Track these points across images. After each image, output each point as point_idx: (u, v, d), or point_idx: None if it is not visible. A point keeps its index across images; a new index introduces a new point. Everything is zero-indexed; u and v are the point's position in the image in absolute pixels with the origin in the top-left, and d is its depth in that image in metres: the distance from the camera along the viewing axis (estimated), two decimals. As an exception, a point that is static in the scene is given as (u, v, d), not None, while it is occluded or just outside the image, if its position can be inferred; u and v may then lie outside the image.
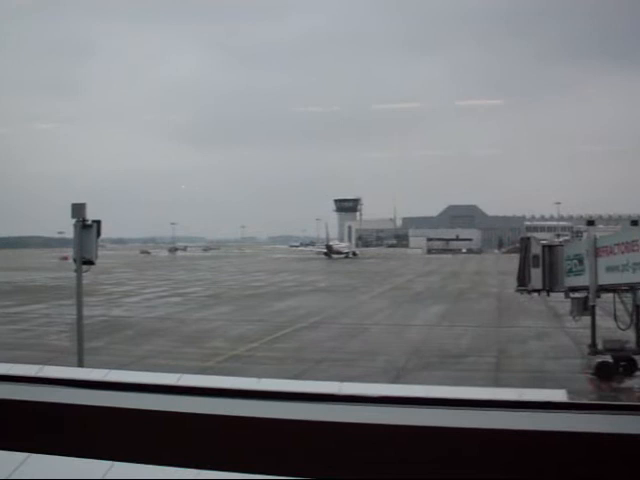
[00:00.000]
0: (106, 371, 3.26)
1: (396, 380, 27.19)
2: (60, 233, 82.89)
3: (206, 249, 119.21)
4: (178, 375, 3.06)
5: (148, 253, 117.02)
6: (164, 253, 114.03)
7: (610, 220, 73.94)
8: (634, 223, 36.80)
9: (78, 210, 23.95)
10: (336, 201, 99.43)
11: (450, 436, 2.45)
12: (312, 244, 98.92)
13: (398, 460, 2.44)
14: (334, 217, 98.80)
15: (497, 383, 26.76)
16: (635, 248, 27.39)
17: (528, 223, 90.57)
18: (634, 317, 29.27)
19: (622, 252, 28.23)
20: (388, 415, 2.60)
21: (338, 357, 31.73)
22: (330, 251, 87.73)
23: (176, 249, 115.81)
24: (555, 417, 2.58)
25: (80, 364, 23.47)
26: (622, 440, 2.35)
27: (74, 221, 23.86)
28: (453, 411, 2.63)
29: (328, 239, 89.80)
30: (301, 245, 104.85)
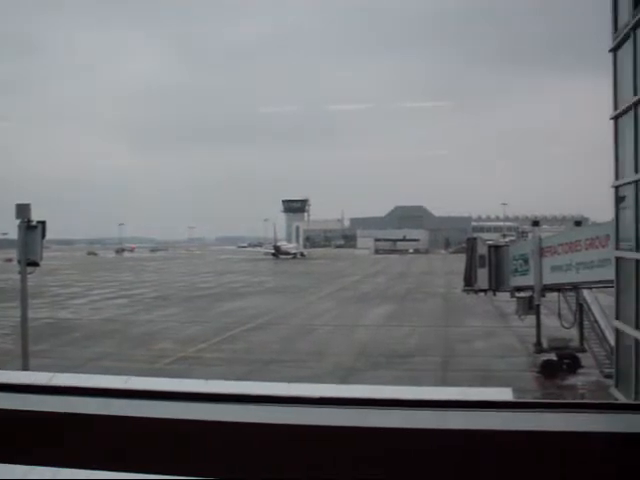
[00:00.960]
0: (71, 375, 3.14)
1: (344, 380, 27.22)
2: (4, 234, 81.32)
3: (154, 250, 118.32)
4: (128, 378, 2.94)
5: (95, 254, 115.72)
6: (111, 254, 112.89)
7: (555, 221, 75.22)
8: (577, 224, 37.53)
9: (22, 211, 23.45)
10: (284, 202, 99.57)
11: (396, 437, 2.39)
12: (260, 245, 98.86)
13: (344, 462, 2.37)
14: (282, 218, 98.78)
15: (444, 382, 26.97)
16: (578, 248, 27.82)
17: (474, 223, 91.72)
18: (577, 316, 29.76)
19: (566, 252, 28.67)
20: (335, 416, 2.53)
21: (287, 358, 31.68)
22: (278, 252, 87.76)
23: (123, 250, 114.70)
24: (500, 416, 2.53)
25: (25, 367, 23.00)
26: (566, 438, 2.31)
27: (18, 222, 23.38)
28: (399, 411, 2.57)
29: (276, 240, 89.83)
30: (249, 246, 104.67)
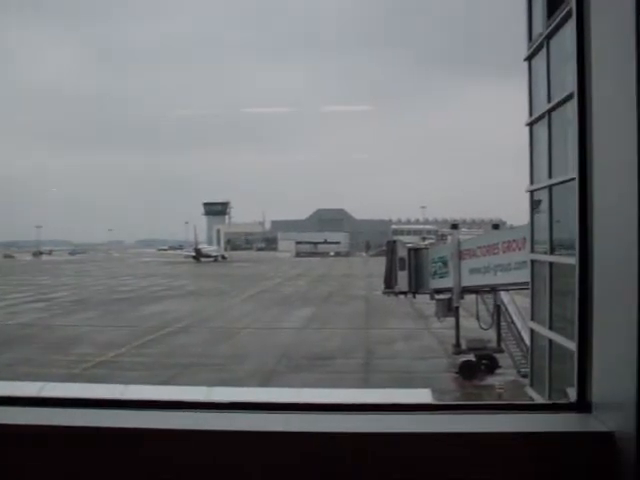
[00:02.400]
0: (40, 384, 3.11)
1: (266, 383, 27.17)
2: None
3: (72, 253, 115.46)
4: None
5: (12, 257, 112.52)
6: (28, 257, 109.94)
7: (473, 224, 76.33)
8: (495, 227, 38.25)
9: None
10: (205, 204, 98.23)
11: (321, 441, 2.46)
12: (181, 247, 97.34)
13: (266, 467, 2.43)
14: (203, 220, 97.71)
15: (366, 384, 27.18)
16: (496, 251, 28.39)
17: (395, 226, 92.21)
18: (495, 317, 30.36)
19: (484, 255, 29.22)
20: (259, 421, 2.58)
21: (207, 362, 31.46)
22: (199, 254, 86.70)
23: (41, 253, 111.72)
24: (419, 419, 2.62)
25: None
26: (483, 438, 2.41)
27: None
28: (324, 416, 2.64)
29: (197, 242, 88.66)
30: (170, 248, 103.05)
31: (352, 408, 2.69)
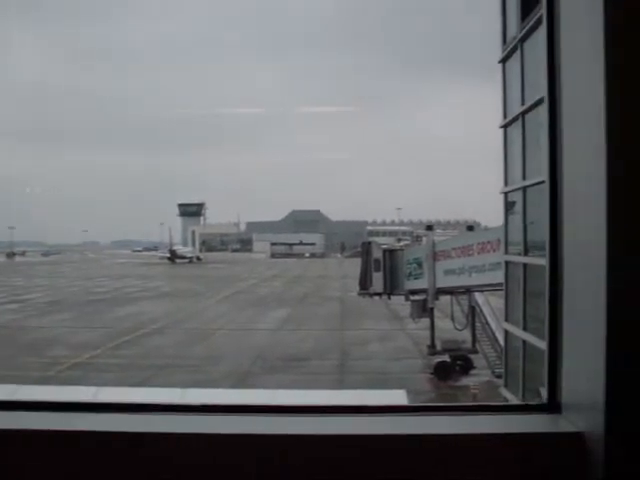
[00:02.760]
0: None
1: (240, 385, 27.13)
2: None
3: (46, 254, 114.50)
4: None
5: None
6: (1, 258, 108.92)
7: (448, 225, 76.61)
8: (470, 228, 38.43)
9: None
10: (180, 205, 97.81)
11: (298, 444, 2.46)
12: (156, 249, 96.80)
13: (238, 469, 2.43)
14: (178, 221, 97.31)
15: (341, 385, 27.22)
16: (470, 252, 28.52)
17: (370, 228, 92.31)
18: (470, 318, 30.50)
19: (459, 256, 29.35)
20: (233, 424, 2.57)
21: (182, 363, 31.35)
22: (174, 256, 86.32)
23: (14, 254, 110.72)
24: (394, 420, 2.63)
25: None
26: (457, 440, 2.43)
27: None
28: (300, 418, 2.64)
29: (172, 244, 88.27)
30: (144, 250, 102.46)
31: (327, 410, 2.70)
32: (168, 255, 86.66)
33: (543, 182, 2.66)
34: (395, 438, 2.46)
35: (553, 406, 2.59)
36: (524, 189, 20.56)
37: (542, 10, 2.64)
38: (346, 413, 2.68)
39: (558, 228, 2.54)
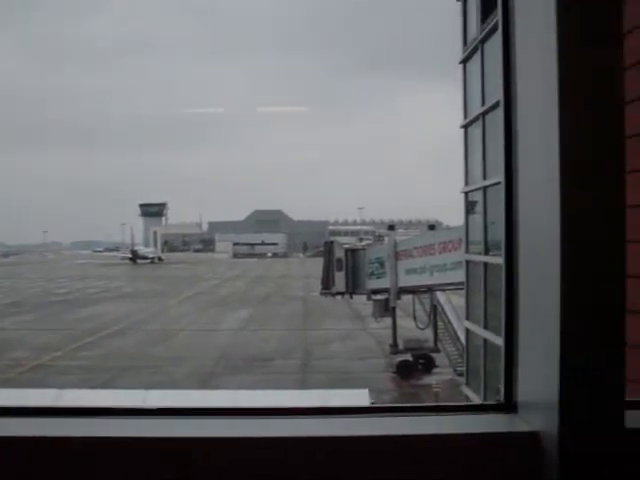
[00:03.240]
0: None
1: (203, 385, 27.06)
2: None
3: (5, 255, 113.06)
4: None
5: None
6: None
7: (410, 225, 77.02)
8: (431, 228, 38.66)
9: None
10: (141, 206, 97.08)
11: (257, 445, 2.46)
12: (117, 249, 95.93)
13: (200, 473, 2.42)
14: (140, 222, 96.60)
15: (304, 384, 27.24)
16: (432, 252, 28.71)
17: (332, 227, 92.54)
18: (431, 317, 30.69)
19: (420, 255, 29.53)
20: (185, 428, 2.56)
21: (145, 364, 31.18)
22: (135, 256, 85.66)
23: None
24: (359, 422, 2.64)
25: None
26: (422, 440, 2.45)
27: None
28: (261, 420, 2.63)
29: (133, 244, 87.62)
30: (106, 250, 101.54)
31: (290, 412, 2.70)
32: (129, 256, 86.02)
33: (499, 183, 2.70)
34: (356, 440, 2.47)
35: (509, 405, 2.62)
36: (484, 189, 20.75)
37: (498, 16, 2.67)
38: (306, 414, 2.69)
39: (513, 228, 2.57)
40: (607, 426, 2.30)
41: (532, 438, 2.39)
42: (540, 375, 2.40)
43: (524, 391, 2.56)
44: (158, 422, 2.62)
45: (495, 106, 18.67)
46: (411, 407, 2.81)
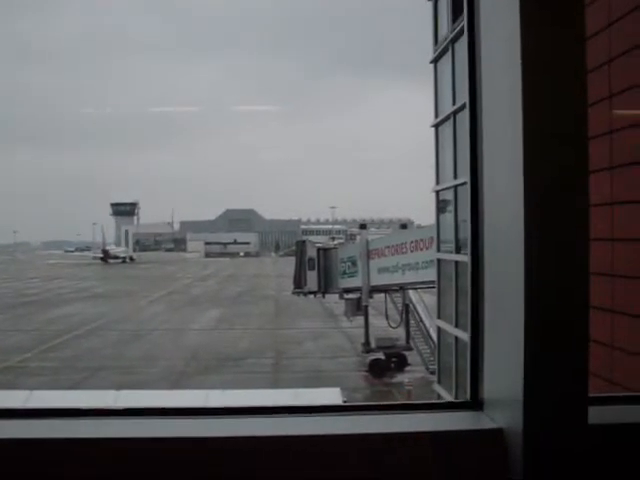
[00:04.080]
0: None
1: (175, 385, 26.97)
2: None
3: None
4: None
5: None
6: None
7: (382, 224, 77.24)
8: (403, 227, 38.82)
9: None
10: (112, 205, 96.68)
11: (229, 445, 2.46)
12: (88, 249, 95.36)
13: (169, 474, 2.42)
14: (111, 221, 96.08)
15: (276, 384, 27.22)
16: (404, 250, 28.77)
17: (304, 227, 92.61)
18: (404, 316, 30.80)
19: (392, 254, 29.57)
20: (156, 428, 2.56)
21: (117, 364, 31.03)
22: (106, 256, 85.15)
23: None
24: (331, 420, 2.66)
25: None
26: (394, 439, 2.46)
27: None
28: (230, 420, 2.64)
29: (104, 244, 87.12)
30: (77, 250, 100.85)
31: (259, 411, 2.70)
32: (101, 255, 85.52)
33: (465, 183, 2.74)
34: (326, 439, 2.49)
35: (476, 403, 2.65)
36: (455, 188, 20.81)
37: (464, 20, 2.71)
38: (279, 413, 2.70)
39: (479, 227, 2.60)
40: (571, 422, 2.33)
41: (497, 435, 2.42)
42: (505, 372, 2.43)
43: (490, 388, 2.59)
44: (126, 422, 2.61)
45: (463, 108, 18.75)
46: (379, 405, 2.83)
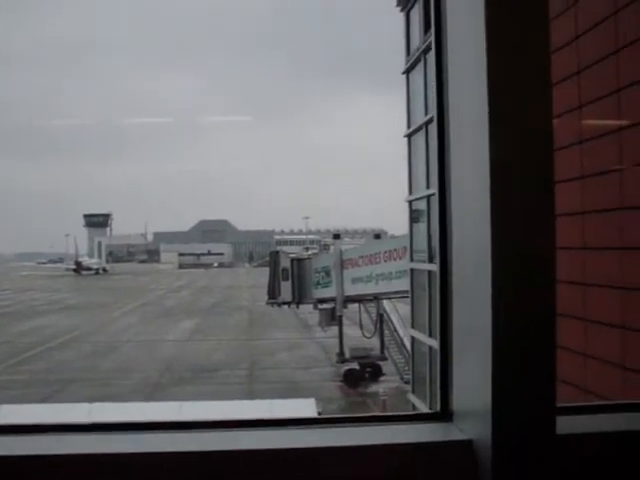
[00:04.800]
0: None
1: (149, 398, 26.78)
2: None
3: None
4: None
5: None
6: None
7: (356, 234, 77.29)
8: (377, 237, 38.82)
9: None
10: (85, 216, 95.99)
11: (203, 461, 2.44)
12: (61, 261, 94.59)
13: None
14: (84, 232, 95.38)
15: (251, 395, 27.10)
16: (377, 260, 28.80)
17: (278, 237, 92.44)
18: (378, 325, 30.79)
19: (366, 264, 29.58)
20: (128, 444, 2.53)
21: (90, 377, 30.75)
22: (79, 267, 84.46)
23: None
24: (309, 433, 2.65)
25: None
26: (373, 451, 2.46)
27: None
28: (204, 434, 2.62)
29: (77, 255, 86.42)
30: (49, 262, 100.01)
31: (233, 425, 2.68)
32: (74, 267, 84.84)
33: (434, 194, 2.76)
34: (294, 452, 2.47)
35: (445, 414, 2.65)
36: (427, 198, 20.88)
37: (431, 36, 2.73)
38: (250, 427, 2.68)
39: (448, 237, 2.62)
40: (539, 433, 2.34)
41: (466, 446, 2.43)
42: (474, 383, 2.44)
43: (459, 399, 2.60)
44: (96, 438, 2.59)
45: (429, 122, 18.85)
46: (350, 418, 2.81)
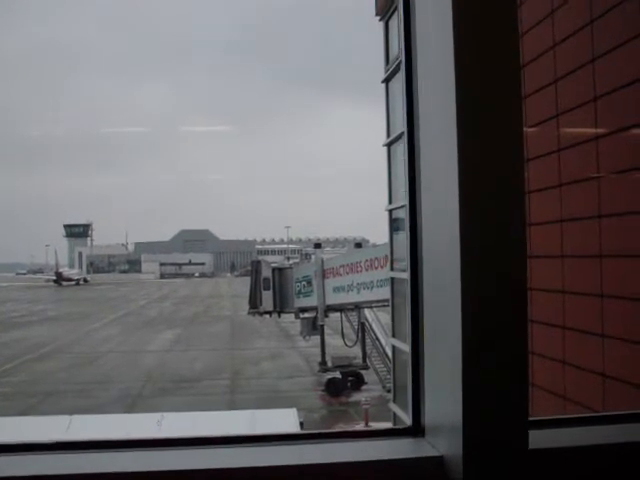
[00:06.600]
0: None
1: (130, 409, 26.67)
2: None
3: None
4: None
5: None
6: None
7: (337, 243, 77.42)
8: (358, 246, 38.86)
9: None
10: (66, 226, 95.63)
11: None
12: (41, 271, 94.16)
13: None
14: (65, 243, 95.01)
15: (232, 406, 27.02)
16: (359, 269, 28.84)
17: (259, 246, 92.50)
18: (359, 334, 30.81)
19: (347, 273, 29.62)
20: (103, 463, 2.48)
21: (70, 388, 30.59)
22: (60, 278, 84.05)
23: None
24: (289, 450, 2.60)
25: None
26: (331, 468, 2.42)
27: None
28: (182, 452, 2.56)
29: (58, 266, 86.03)
30: (29, 272, 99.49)
31: (211, 442, 2.63)
32: (54, 278, 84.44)
33: (404, 206, 2.75)
34: (291, 469, 2.43)
35: (417, 429, 2.62)
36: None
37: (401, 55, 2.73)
38: (237, 444, 2.62)
39: (418, 247, 2.59)
40: (510, 448, 2.31)
41: (438, 463, 2.39)
42: (445, 397, 2.40)
43: (431, 413, 2.56)
44: (68, 457, 2.53)
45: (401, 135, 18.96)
46: (319, 434, 2.76)
